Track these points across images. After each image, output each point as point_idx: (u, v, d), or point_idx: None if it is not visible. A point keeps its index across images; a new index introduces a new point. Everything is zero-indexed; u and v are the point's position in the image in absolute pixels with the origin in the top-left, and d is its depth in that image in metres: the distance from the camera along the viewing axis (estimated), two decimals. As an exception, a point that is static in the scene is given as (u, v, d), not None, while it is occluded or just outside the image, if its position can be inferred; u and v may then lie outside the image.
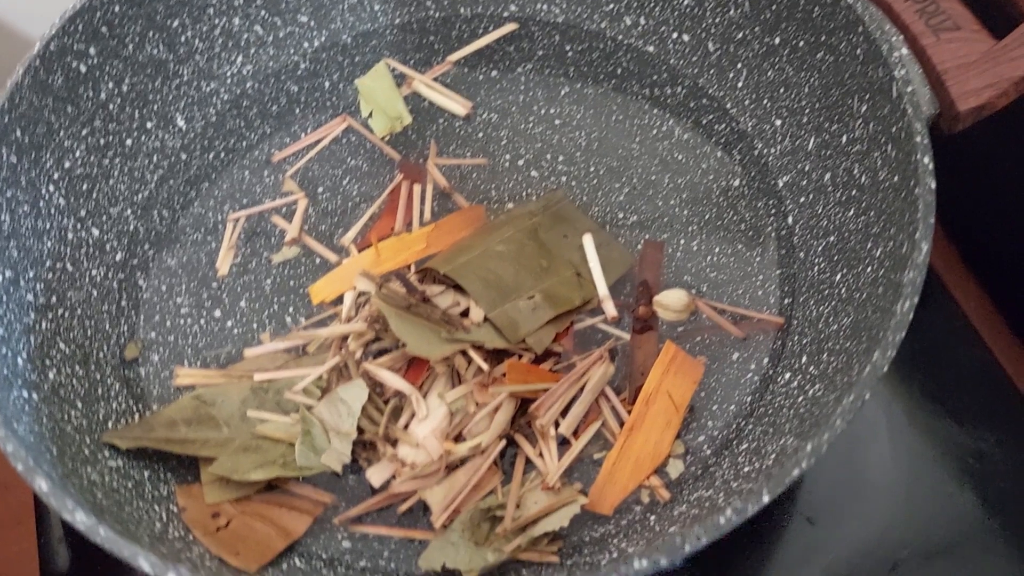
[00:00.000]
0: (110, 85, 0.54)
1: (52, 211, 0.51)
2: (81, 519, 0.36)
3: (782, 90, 0.53)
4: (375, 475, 0.45)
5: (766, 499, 0.35)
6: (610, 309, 0.50)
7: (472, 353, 0.47)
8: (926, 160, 0.43)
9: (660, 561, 0.34)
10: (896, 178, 0.45)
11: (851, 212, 0.49)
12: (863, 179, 0.48)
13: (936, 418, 0.51)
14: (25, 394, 0.44)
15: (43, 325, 0.48)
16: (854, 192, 0.49)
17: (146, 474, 0.45)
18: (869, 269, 0.46)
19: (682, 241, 0.53)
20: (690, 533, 0.34)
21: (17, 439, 0.39)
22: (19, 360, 0.46)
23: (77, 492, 0.39)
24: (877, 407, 0.51)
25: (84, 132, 0.53)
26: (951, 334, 0.54)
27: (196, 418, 0.47)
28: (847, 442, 0.50)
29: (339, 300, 0.52)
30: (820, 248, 0.50)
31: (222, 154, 0.57)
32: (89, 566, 0.51)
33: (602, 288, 0.50)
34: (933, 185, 0.42)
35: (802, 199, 0.52)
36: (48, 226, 0.50)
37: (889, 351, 0.38)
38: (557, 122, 0.58)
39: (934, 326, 0.54)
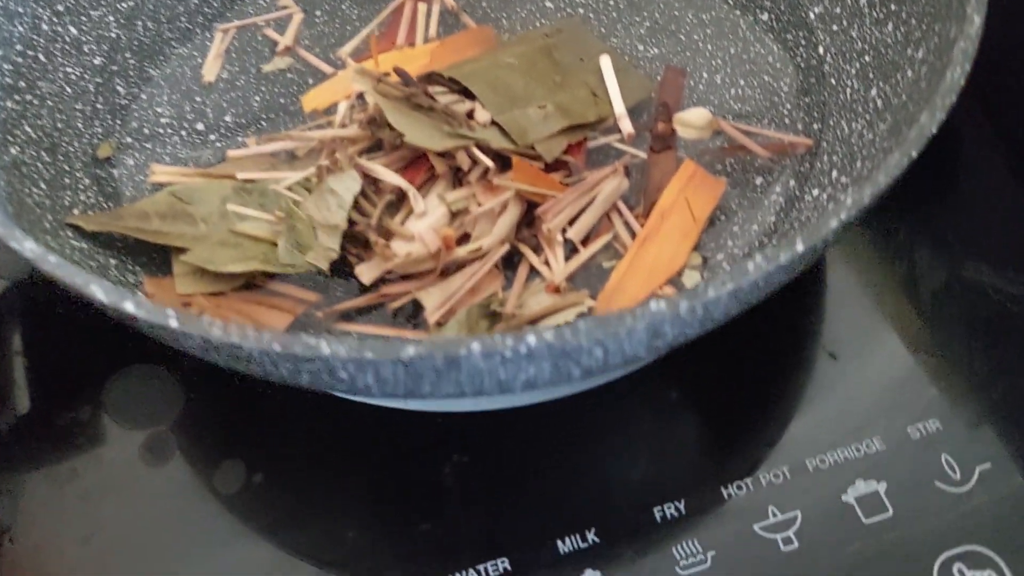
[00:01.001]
0: None
1: (25, -6, 0.47)
2: (30, 247, 0.32)
3: (817, -87, 0.50)
4: (365, 271, 0.41)
5: (800, 247, 0.31)
6: (627, 126, 0.46)
7: (477, 152, 0.43)
8: (978, -59, 0.39)
9: (680, 306, 0.30)
10: (942, -26, 0.41)
11: (888, 27, 0.45)
12: (903, -10, 0.44)
13: (972, 262, 0.47)
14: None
15: (8, 104, 0.44)
16: (892, 7, 0.45)
17: (112, 261, 0.41)
18: (910, 72, 0.42)
19: (705, 75, 0.49)
20: (716, 280, 0.30)
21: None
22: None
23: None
24: (906, 252, 0.48)
25: (64, -78, 0.49)
26: (988, 181, 0.50)
27: (171, 213, 0.43)
28: (872, 279, 0.46)
29: (332, 111, 0.48)
30: (853, 71, 0.46)
31: (215, -29, 0.54)
32: (51, 402, 0.46)
33: (619, 106, 0.46)
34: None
35: (835, 27, 0.49)
36: (20, 9, 0.46)
37: (938, 113, 0.34)
38: (574, -44, 0.54)
39: (969, 174, 0.50)
